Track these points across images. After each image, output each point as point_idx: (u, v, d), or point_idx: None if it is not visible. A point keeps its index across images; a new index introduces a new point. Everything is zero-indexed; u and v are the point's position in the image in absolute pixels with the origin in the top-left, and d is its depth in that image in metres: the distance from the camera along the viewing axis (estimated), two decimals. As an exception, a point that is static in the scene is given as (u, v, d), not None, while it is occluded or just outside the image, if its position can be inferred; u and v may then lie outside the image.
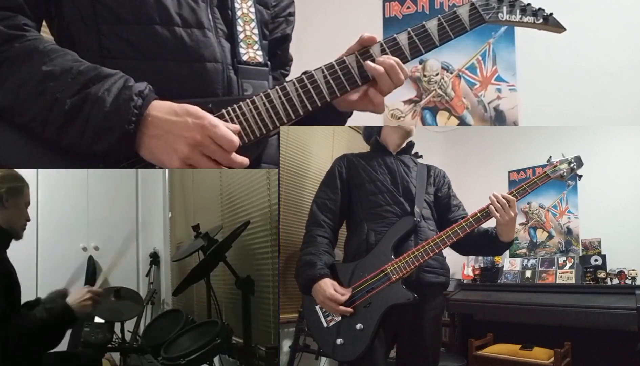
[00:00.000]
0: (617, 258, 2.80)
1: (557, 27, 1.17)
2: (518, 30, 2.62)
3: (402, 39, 1.10)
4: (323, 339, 1.48)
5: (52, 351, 1.52)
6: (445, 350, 2.96)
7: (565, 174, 1.55)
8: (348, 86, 1.07)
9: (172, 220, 3.04)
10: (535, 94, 2.72)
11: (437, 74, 2.86)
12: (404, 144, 1.71)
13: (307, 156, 2.57)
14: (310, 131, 2.55)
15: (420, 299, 1.46)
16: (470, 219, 1.48)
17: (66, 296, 1.57)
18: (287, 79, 1.29)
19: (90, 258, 2.69)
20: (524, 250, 3.37)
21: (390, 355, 1.59)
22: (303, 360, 2.30)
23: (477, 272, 3.33)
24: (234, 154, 0.97)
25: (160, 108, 0.95)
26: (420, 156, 1.75)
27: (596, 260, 2.84)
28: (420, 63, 2.90)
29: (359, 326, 1.44)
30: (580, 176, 1.58)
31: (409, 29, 1.11)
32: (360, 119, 1.29)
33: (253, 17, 1.16)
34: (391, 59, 1.08)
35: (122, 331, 2.24)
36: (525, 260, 3.21)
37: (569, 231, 3.26)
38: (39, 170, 1.92)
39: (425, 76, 2.88)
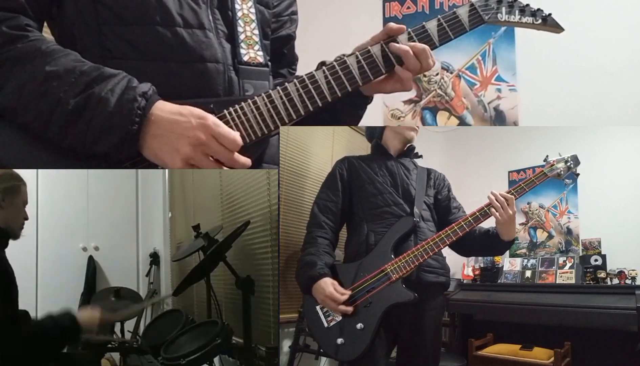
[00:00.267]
0: (617, 258, 2.80)
1: (556, 28, 1.17)
2: (518, 30, 2.62)
3: (402, 39, 1.11)
4: (324, 339, 1.48)
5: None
6: (445, 350, 2.96)
7: (562, 172, 1.56)
8: (349, 86, 1.07)
9: (172, 220, 3.04)
10: (535, 94, 2.72)
11: (437, 74, 2.87)
12: (404, 148, 1.71)
13: (307, 156, 2.57)
14: (310, 131, 2.55)
15: (421, 299, 1.46)
16: (470, 218, 1.48)
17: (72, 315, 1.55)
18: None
19: (90, 258, 2.69)
20: (524, 250, 3.37)
21: (390, 354, 1.59)
22: (303, 360, 2.30)
23: (477, 272, 3.34)
24: (237, 154, 0.97)
25: (163, 108, 0.95)
26: (420, 156, 1.75)
27: (596, 260, 2.84)
28: (420, 63, 2.90)
29: (359, 325, 1.44)
30: (578, 175, 1.58)
31: (409, 30, 1.12)
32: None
33: (253, 17, 1.16)
34: (422, 45, 1.09)
35: (122, 331, 2.25)
36: (525, 260, 3.21)
37: (569, 231, 3.26)
38: (39, 170, 1.92)
39: (425, 75, 2.88)
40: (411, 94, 2.91)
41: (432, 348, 1.58)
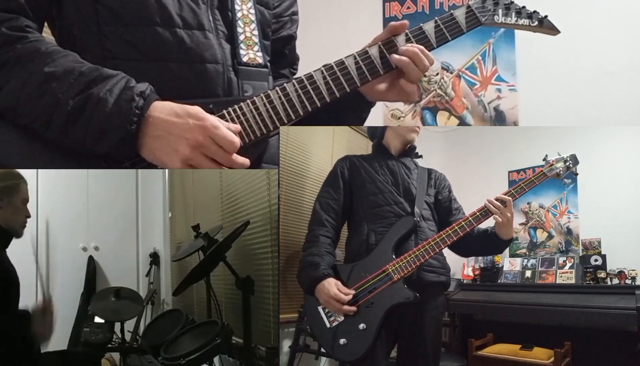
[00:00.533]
0: (617, 258, 2.80)
1: (552, 30, 1.19)
2: (518, 30, 2.63)
3: (400, 41, 1.11)
4: (326, 339, 1.49)
5: (52, 350, 1.52)
6: (445, 350, 2.96)
7: (561, 172, 1.57)
8: (347, 86, 1.08)
9: (172, 220, 3.04)
10: (535, 94, 2.72)
11: (437, 74, 2.87)
12: (405, 148, 1.72)
13: (307, 156, 2.57)
14: (310, 131, 2.55)
15: (422, 298, 1.47)
16: (470, 218, 1.50)
17: None
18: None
19: (90, 258, 2.69)
20: (524, 250, 3.37)
21: (390, 354, 1.59)
22: (303, 360, 2.30)
23: (477, 272, 3.33)
24: (235, 155, 0.97)
25: (162, 109, 0.96)
26: (420, 156, 1.76)
27: (596, 260, 2.84)
28: (420, 63, 2.90)
29: (361, 326, 1.44)
30: (577, 174, 1.59)
31: (407, 31, 1.12)
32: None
33: (253, 18, 1.16)
34: (415, 47, 1.10)
35: (122, 331, 2.25)
36: (525, 260, 3.21)
37: (569, 231, 3.26)
38: (39, 170, 1.92)
39: (425, 75, 2.88)
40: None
41: (432, 348, 1.58)
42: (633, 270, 2.65)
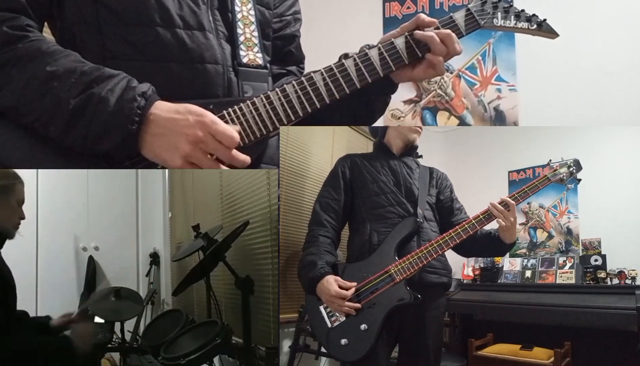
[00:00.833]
0: (617, 258, 2.80)
1: (551, 33, 1.19)
2: (518, 30, 2.63)
3: (400, 42, 1.11)
4: (327, 339, 1.48)
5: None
6: (445, 350, 2.96)
7: (564, 177, 1.57)
8: (347, 88, 1.08)
9: (172, 220, 3.04)
10: (535, 94, 2.72)
11: (437, 74, 2.86)
12: (407, 147, 1.71)
13: (307, 156, 2.57)
14: (310, 131, 2.55)
15: (423, 299, 1.47)
16: (473, 221, 1.49)
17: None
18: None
19: (90, 258, 2.69)
20: (524, 250, 3.38)
21: (391, 354, 1.59)
22: (303, 360, 2.30)
23: (477, 272, 3.34)
24: (235, 151, 0.97)
25: (162, 107, 0.96)
26: (420, 156, 1.75)
27: (596, 260, 2.84)
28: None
29: (363, 326, 1.44)
30: (579, 180, 1.59)
31: (406, 33, 1.12)
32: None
33: (253, 19, 1.16)
34: (445, 30, 1.11)
35: (122, 331, 2.25)
36: (525, 260, 3.21)
37: (569, 231, 3.26)
38: (39, 170, 1.92)
39: (425, 76, 2.88)
40: (411, 94, 2.91)
41: (433, 348, 1.58)
42: (633, 270, 2.65)
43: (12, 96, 0.94)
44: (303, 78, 1.07)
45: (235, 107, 1.02)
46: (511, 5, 1.17)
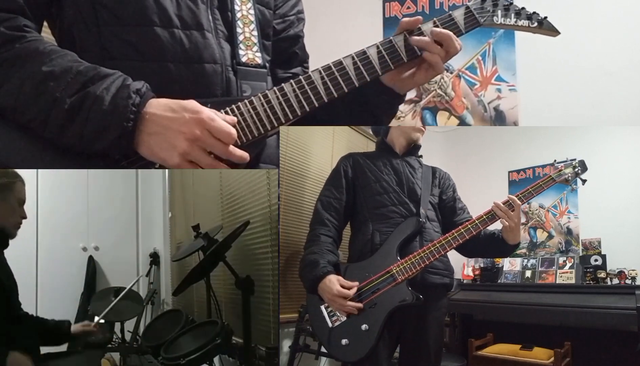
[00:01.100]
0: (617, 258, 2.80)
1: (552, 31, 1.18)
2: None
3: (398, 40, 1.11)
4: (328, 339, 1.48)
5: (52, 351, 1.52)
6: (445, 350, 2.96)
7: (569, 178, 1.56)
8: (345, 86, 1.08)
9: (172, 220, 3.04)
10: (535, 94, 2.72)
11: (437, 74, 2.86)
12: (409, 146, 1.71)
13: (307, 156, 2.57)
14: (310, 131, 2.55)
15: (425, 300, 1.46)
16: (476, 221, 1.48)
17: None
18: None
19: (90, 258, 2.69)
20: (524, 250, 3.37)
21: (393, 355, 1.59)
22: (303, 360, 2.30)
23: (477, 272, 3.33)
24: (232, 147, 0.97)
25: (157, 105, 0.96)
26: (420, 156, 1.75)
27: (596, 260, 2.84)
28: (420, 63, 2.90)
29: (364, 326, 1.43)
30: (585, 181, 1.58)
31: (405, 33, 1.12)
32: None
33: (252, 18, 1.16)
34: (445, 30, 1.10)
35: (122, 331, 2.25)
36: (525, 260, 3.21)
37: (569, 231, 3.26)
38: (39, 170, 1.92)
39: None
40: (411, 94, 2.91)
41: (434, 349, 1.58)
42: (633, 270, 2.65)
43: (9, 95, 0.95)
44: (301, 77, 1.07)
45: (233, 106, 1.02)
46: (511, 3, 1.16)
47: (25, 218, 1.48)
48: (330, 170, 1.72)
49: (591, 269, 2.81)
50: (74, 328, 1.59)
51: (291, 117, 1.05)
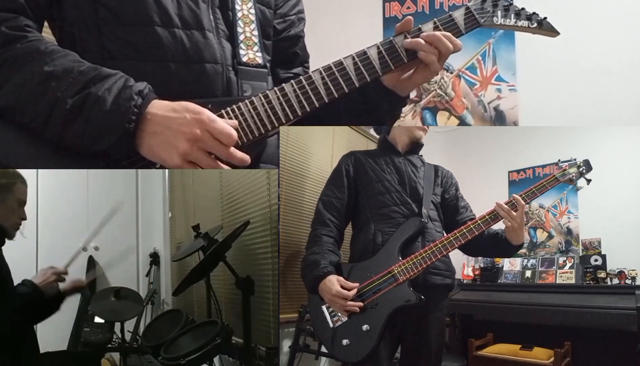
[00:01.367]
0: (617, 258, 2.80)
1: (551, 31, 1.18)
2: (518, 30, 2.62)
3: (398, 41, 1.11)
4: (329, 339, 1.47)
5: (52, 351, 1.51)
6: (445, 350, 2.95)
7: (574, 178, 1.54)
8: (345, 87, 1.08)
9: (172, 220, 3.04)
10: (535, 94, 2.72)
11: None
12: (412, 145, 1.70)
13: (307, 156, 2.57)
14: (310, 131, 2.55)
15: (426, 301, 1.46)
16: (479, 221, 1.48)
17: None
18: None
19: (90, 258, 2.69)
20: (524, 250, 3.37)
21: (394, 355, 1.59)
22: (303, 360, 2.30)
23: (477, 272, 3.34)
24: (233, 149, 0.97)
25: (159, 106, 0.96)
26: (420, 156, 1.75)
27: (596, 260, 2.84)
28: (420, 63, 2.90)
29: (365, 327, 1.43)
30: (589, 181, 1.56)
31: (405, 33, 1.12)
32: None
33: (253, 18, 1.16)
34: (436, 32, 1.10)
35: (122, 331, 2.25)
36: (525, 260, 3.21)
37: (569, 231, 3.26)
38: (39, 170, 1.92)
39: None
40: (411, 94, 2.91)
41: (435, 350, 1.58)
42: (633, 270, 2.65)
43: (10, 95, 0.95)
44: (302, 77, 1.06)
45: (234, 106, 1.02)
46: (511, 4, 1.16)
47: (24, 219, 1.47)
48: (330, 170, 1.71)
49: (591, 269, 2.82)
50: (64, 286, 1.58)
51: (292, 118, 1.04)
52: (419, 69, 1.14)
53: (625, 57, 2.56)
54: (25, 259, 2.44)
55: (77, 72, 0.94)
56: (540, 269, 3.10)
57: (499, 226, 1.52)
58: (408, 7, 2.93)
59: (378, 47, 1.10)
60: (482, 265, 3.33)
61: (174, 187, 3.09)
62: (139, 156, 0.97)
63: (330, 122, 1.22)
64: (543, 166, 3.38)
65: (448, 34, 1.11)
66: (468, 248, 1.57)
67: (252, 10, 1.16)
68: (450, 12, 1.14)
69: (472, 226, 1.47)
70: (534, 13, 1.17)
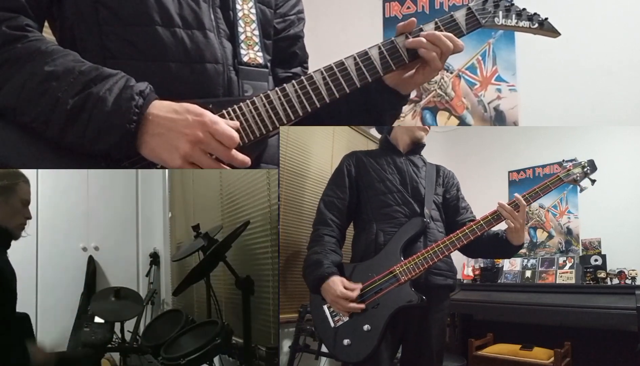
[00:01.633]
0: (617, 258, 2.80)
1: (552, 32, 1.18)
2: (518, 30, 2.63)
3: (399, 41, 1.11)
4: (330, 339, 1.47)
5: (52, 351, 1.51)
6: (445, 350, 2.96)
7: (578, 178, 1.53)
8: (346, 87, 1.08)
9: (172, 220, 3.04)
10: (535, 94, 2.72)
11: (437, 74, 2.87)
12: (413, 145, 1.70)
13: (307, 156, 2.57)
14: (310, 131, 2.55)
15: (428, 301, 1.45)
16: (481, 222, 1.47)
17: None
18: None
19: (90, 258, 2.69)
20: (524, 250, 3.37)
21: (395, 356, 1.58)
22: (303, 360, 2.30)
23: (477, 272, 3.34)
24: (235, 151, 0.97)
25: (161, 107, 0.95)
26: (421, 156, 1.75)
27: (596, 260, 2.84)
28: (420, 63, 2.90)
29: (366, 327, 1.43)
30: (594, 181, 1.54)
31: (406, 33, 1.12)
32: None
33: (254, 18, 1.16)
34: (432, 31, 1.11)
35: (122, 331, 2.25)
36: (525, 260, 3.21)
37: (569, 231, 3.26)
38: (39, 170, 1.92)
39: (425, 76, 2.88)
40: (411, 94, 2.91)
41: (436, 350, 1.58)
42: (633, 270, 2.65)
43: (10, 95, 0.94)
44: (303, 77, 1.06)
45: (235, 106, 1.02)
46: (512, 4, 1.17)
47: (29, 218, 1.46)
48: (331, 170, 1.71)
49: (591, 269, 2.82)
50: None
51: (293, 118, 1.04)
52: (421, 68, 1.15)
53: (625, 57, 2.56)
54: (26, 259, 2.44)
55: (78, 72, 0.94)
56: (540, 269, 3.10)
57: (499, 227, 1.52)
58: (408, 7, 2.93)
59: (379, 48, 1.10)
60: (482, 265, 3.33)
61: (174, 187, 3.09)
62: (140, 156, 0.97)
63: (330, 122, 1.22)
64: (543, 166, 3.38)
65: (449, 34, 1.11)
66: (468, 249, 1.57)
67: (253, 10, 1.16)
68: (452, 13, 1.14)
69: (474, 227, 1.46)
70: (535, 13, 1.17)
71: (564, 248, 3.25)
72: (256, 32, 1.15)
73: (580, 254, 3.09)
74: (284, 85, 1.05)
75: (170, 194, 3.10)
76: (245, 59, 1.12)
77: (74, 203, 2.63)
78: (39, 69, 0.93)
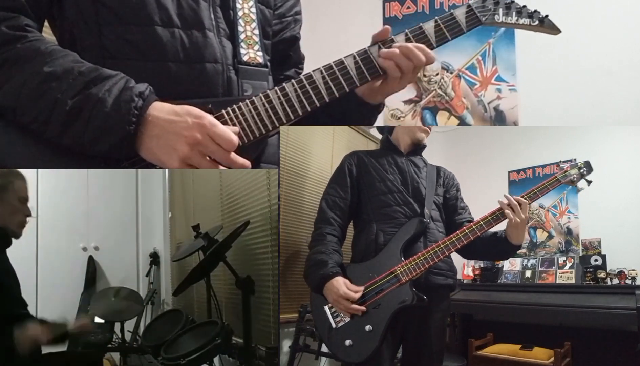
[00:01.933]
0: (617, 258, 2.80)
1: (553, 29, 1.18)
2: (518, 30, 2.63)
3: (400, 40, 1.11)
4: (331, 340, 1.47)
5: (52, 351, 1.51)
6: (446, 350, 2.96)
7: (575, 179, 1.54)
8: (346, 86, 1.08)
9: (172, 220, 3.04)
10: (535, 94, 2.72)
11: (437, 74, 2.86)
12: (414, 145, 1.70)
13: (307, 156, 2.57)
14: (310, 131, 2.55)
15: (429, 301, 1.45)
16: (481, 222, 1.47)
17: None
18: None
19: (90, 258, 2.69)
20: (524, 250, 3.37)
21: (396, 356, 1.58)
22: (303, 360, 2.30)
23: (477, 272, 3.34)
24: (234, 154, 0.97)
25: (161, 109, 0.95)
26: (422, 157, 1.75)
27: (596, 260, 2.84)
28: (420, 63, 2.89)
29: (368, 327, 1.43)
30: (590, 182, 1.56)
31: (407, 30, 1.12)
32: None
33: (254, 17, 1.16)
34: (406, 44, 1.09)
35: (122, 331, 2.25)
36: (525, 260, 3.21)
37: (569, 231, 3.26)
38: (39, 170, 1.92)
39: (425, 76, 2.88)
40: (411, 94, 2.91)
41: (436, 350, 1.58)
42: (633, 270, 2.65)
43: (10, 96, 0.94)
44: (302, 77, 1.06)
45: (235, 106, 1.02)
46: (512, 2, 1.16)
47: (30, 215, 1.45)
48: (331, 170, 1.71)
49: (591, 269, 2.82)
50: (72, 328, 1.57)
51: (292, 118, 1.04)
52: (390, 79, 1.13)
53: (625, 57, 2.57)
54: (26, 259, 2.44)
55: (77, 73, 0.94)
56: (540, 269, 3.10)
57: (498, 228, 1.52)
58: (408, 7, 2.93)
59: (380, 47, 1.10)
60: (482, 265, 3.33)
61: (174, 187, 3.09)
62: (139, 157, 0.97)
63: (320, 122, 1.21)
64: (543, 166, 3.38)
65: (421, 46, 1.10)
66: (466, 251, 1.56)
67: (253, 9, 1.16)
68: (452, 11, 1.14)
69: (474, 227, 1.47)
70: (535, 11, 1.17)
71: (564, 248, 3.25)
72: (256, 32, 1.15)
73: (580, 254, 3.09)
74: (284, 84, 1.05)
75: (170, 194, 3.10)
76: (245, 58, 1.11)
77: (74, 203, 2.63)
78: (39, 70, 0.93)
